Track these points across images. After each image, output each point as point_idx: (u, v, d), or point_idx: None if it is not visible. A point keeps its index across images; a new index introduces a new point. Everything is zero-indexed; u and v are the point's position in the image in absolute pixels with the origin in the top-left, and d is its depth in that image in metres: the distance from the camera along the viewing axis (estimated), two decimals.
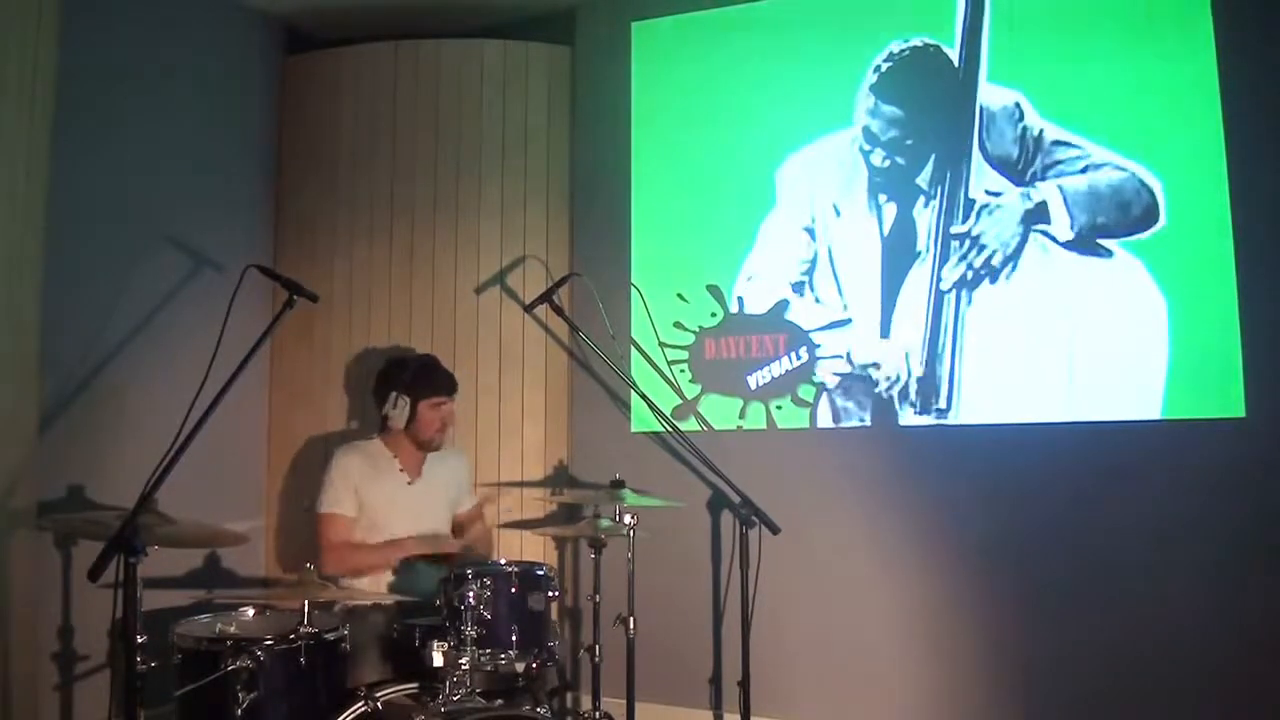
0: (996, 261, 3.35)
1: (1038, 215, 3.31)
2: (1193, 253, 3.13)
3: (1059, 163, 3.30)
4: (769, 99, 3.70)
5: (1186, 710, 3.01)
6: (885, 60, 3.55)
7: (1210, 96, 3.11)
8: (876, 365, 3.49)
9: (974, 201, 3.39)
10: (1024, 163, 3.34)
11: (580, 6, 4.03)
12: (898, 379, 3.46)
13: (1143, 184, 3.20)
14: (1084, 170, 3.26)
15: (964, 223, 3.39)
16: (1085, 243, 3.25)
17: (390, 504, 3.25)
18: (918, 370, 3.43)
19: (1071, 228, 3.27)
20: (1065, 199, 3.27)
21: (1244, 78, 3.09)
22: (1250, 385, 3.03)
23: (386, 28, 4.12)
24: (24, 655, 2.98)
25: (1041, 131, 3.33)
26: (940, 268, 3.42)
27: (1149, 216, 3.19)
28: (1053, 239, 3.29)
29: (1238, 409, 3.04)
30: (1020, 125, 3.35)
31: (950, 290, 3.41)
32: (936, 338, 3.41)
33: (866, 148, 3.57)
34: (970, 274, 3.38)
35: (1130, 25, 3.24)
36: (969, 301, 3.38)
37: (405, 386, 3.28)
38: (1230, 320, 3.06)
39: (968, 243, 3.38)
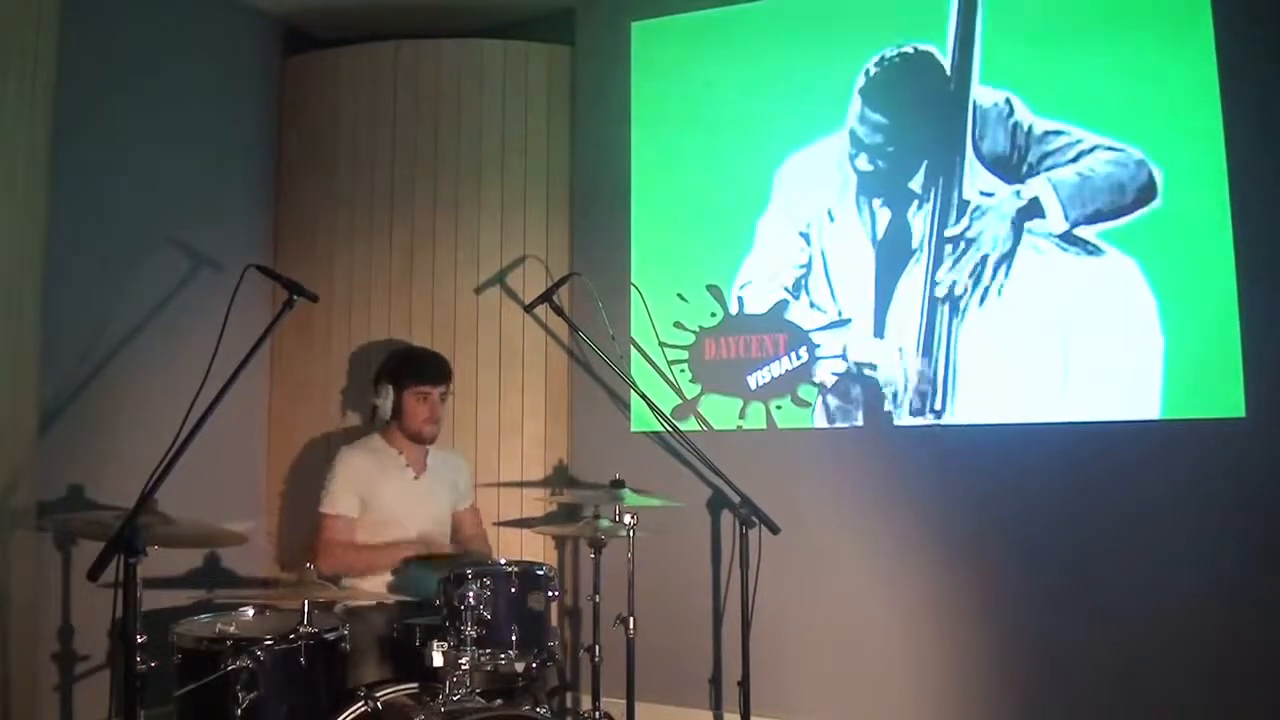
0: (991, 263, 3.34)
1: (1030, 211, 3.30)
2: (1190, 251, 3.12)
3: (1052, 152, 3.29)
4: (769, 99, 3.70)
5: (1183, 710, 3.00)
6: (874, 65, 3.55)
7: (1209, 86, 3.10)
8: (873, 366, 3.49)
9: (968, 202, 3.39)
10: (1017, 158, 3.33)
11: (580, 6, 4.03)
12: (894, 381, 3.47)
13: (1137, 162, 3.19)
14: (1077, 157, 3.25)
15: (957, 224, 3.38)
16: (1079, 240, 3.25)
17: (398, 499, 3.25)
18: (913, 372, 3.43)
19: (1066, 218, 3.26)
20: (1056, 191, 3.27)
21: (1244, 71, 3.07)
22: (1250, 385, 3.02)
23: (386, 28, 4.12)
24: (24, 655, 2.98)
25: (1031, 125, 3.32)
26: (934, 270, 3.42)
27: (1145, 195, 3.18)
28: (1048, 235, 3.28)
29: (1237, 409, 3.04)
30: (1011, 121, 3.35)
31: (944, 295, 3.40)
32: (931, 340, 3.41)
33: (852, 152, 3.58)
34: (964, 278, 3.37)
35: (1126, 16, 3.23)
36: (964, 305, 3.37)
37: (390, 374, 3.30)
38: (1230, 320, 3.05)
39: (962, 244, 3.38)
